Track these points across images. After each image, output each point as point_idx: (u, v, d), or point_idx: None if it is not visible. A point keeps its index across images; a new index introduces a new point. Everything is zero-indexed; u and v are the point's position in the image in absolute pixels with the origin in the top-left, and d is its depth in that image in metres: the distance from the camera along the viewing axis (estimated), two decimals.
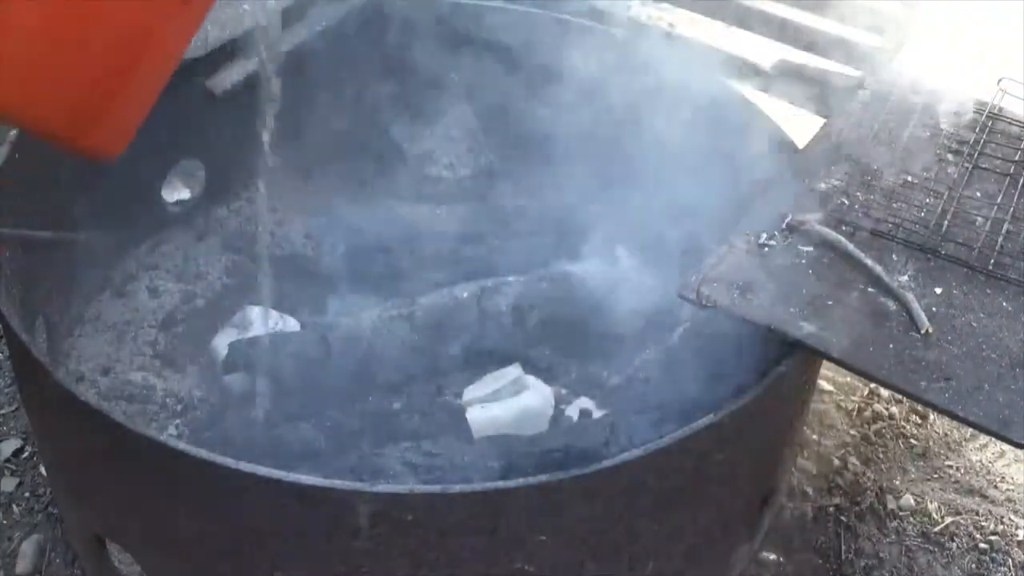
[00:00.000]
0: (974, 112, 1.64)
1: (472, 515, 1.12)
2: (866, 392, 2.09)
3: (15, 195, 1.48)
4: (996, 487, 1.93)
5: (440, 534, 1.12)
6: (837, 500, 1.85)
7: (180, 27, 1.06)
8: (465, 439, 1.48)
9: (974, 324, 1.29)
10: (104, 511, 1.36)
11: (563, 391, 1.62)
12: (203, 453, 1.09)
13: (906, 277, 1.36)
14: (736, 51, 2.15)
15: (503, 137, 2.03)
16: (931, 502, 1.87)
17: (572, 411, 1.57)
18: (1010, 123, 1.63)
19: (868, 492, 1.87)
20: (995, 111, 1.64)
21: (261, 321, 1.67)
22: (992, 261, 1.39)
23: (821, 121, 1.70)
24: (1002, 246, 1.41)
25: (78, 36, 0.97)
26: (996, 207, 1.48)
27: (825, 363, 1.41)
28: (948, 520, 1.83)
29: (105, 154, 1.07)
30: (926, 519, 1.84)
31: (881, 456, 1.96)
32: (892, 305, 1.31)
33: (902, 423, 2.04)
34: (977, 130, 1.61)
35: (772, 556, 1.75)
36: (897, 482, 1.91)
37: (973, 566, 1.77)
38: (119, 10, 0.99)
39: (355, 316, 1.71)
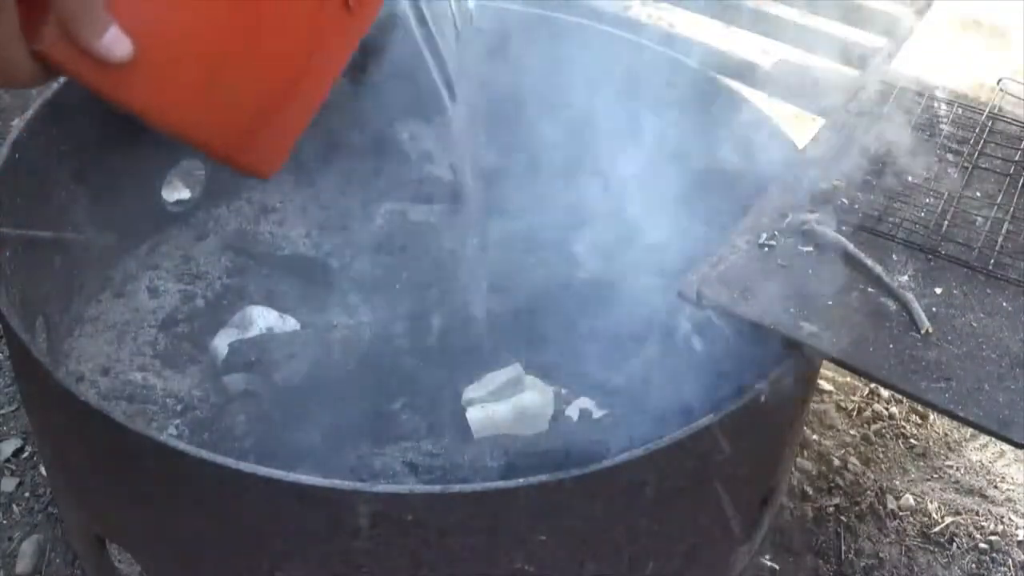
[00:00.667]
0: (974, 112, 1.64)
1: (472, 515, 1.12)
2: (866, 392, 2.09)
3: (15, 195, 1.48)
4: (996, 487, 1.93)
5: (440, 534, 1.12)
6: (837, 500, 1.85)
7: (342, 40, 1.01)
8: (465, 439, 1.48)
9: (974, 324, 1.30)
10: (104, 511, 1.36)
11: (563, 391, 1.62)
12: (203, 453, 1.09)
13: (906, 277, 1.36)
14: (736, 51, 2.15)
15: (504, 137, 2.03)
16: (931, 502, 1.87)
17: (572, 411, 1.57)
18: (1010, 123, 1.63)
19: (868, 492, 1.87)
20: (995, 111, 1.65)
21: (261, 321, 1.67)
22: (992, 261, 1.39)
23: (821, 121, 1.70)
24: (1002, 246, 1.41)
25: (240, 53, 0.93)
26: (996, 207, 1.48)
27: (825, 363, 1.41)
28: (948, 520, 1.84)
29: (260, 172, 1.03)
30: (926, 519, 1.84)
31: (881, 456, 1.96)
32: (892, 305, 1.31)
33: (902, 423, 2.04)
34: (977, 130, 1.61)
35: (772, 557, 1.75)
36: (897, 482, 1.91)
37: (973, 566, 1.77)
38: (282, 26, 0.94)
39: (355, 316, 1.71)
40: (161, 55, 0.89)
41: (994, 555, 1.79)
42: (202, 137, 0.95)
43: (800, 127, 2.05)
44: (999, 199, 1.49)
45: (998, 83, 1.68)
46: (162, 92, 0.91)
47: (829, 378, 2.09)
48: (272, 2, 0.93)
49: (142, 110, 0.91)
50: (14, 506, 1.75)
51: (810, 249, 1.39)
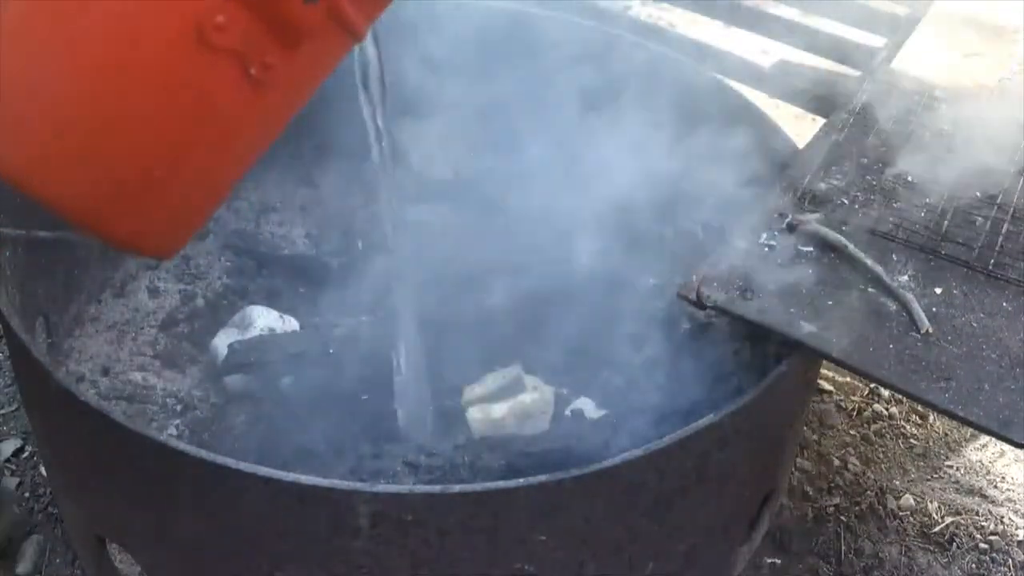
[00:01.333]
0: (974, 112, 1.64)
1: (472, 515, 1.12)
2: (866, 392, 2.09)
3: (15, 195, 1.47)
4: (996, 487, 1.93)
5: (440, 534, 1.12)
6: (837, 500, 1.85)
7: (252, 122, 0.92)
8: (465, 439, 1.48)
9: (974, 324, 1.30)
10: (104, 511, 1.36)
11: (563, 391, 1.62)
12: (203, 453, 1.09)
13: (906, 277, 1.36)
14: (736, 51, 2.15)
15: (504, 137, 2.03)
16: (931, 502, 1.87)
17: (572, 411, 1.57)
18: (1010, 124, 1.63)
19: (868, 492, 1.87)
20: (995, 111, 1.64)
21: (261, 321, 1.67)
22: (992, 261, 1.39)
23: (821, 121, 1.70)
24: (1002, 246, 1.41)
25: (117, 109, 0.83)
26: (996, 207, 1.48)
27: (825, 363, 1.41)
28: (948, 520, 1.83)
29: (145, 251, 0.94)
30: (926, 519, 1.84)
31: (881, 456, 1.96)
32: (892, 305, 1.31)
33: (902, 423, 2.04)
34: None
35: (772, 557, 1.75)
36: (897, 482, 1.91)
37: (973, 566, 1.77)
38: (153, 87, 0.83)
39: (355, 316, 1.71)
40: (5, 102, 0.80)
41: (994, 555, 1.79)
42: (56, 199, 0.84)
43: (800, 127, 2.05)
44: (999, 199, 1.49)
45: (998, 83, 1.68)
46: (7, 143, 0.81)
47: (829, 378, 2.09)
48: (133, 55, 0.82)
49: None
50: (14, 506, 1.74)
51: (810, 249, 1.39)
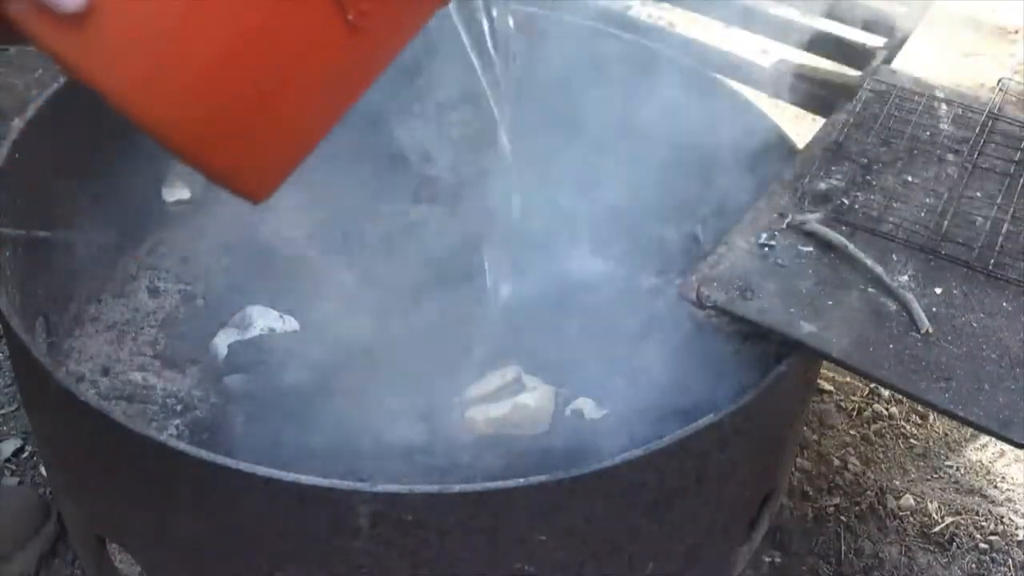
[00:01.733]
0: (974, 112, 1.64)
1: (472, 515, 1.12)
2: (866, 392, 2.09)
3: (15, 195, 1.48)
4: (996, 487, 1.93)
5: (440, 534, 1.12)
6: (837, 500, 1.85)
7: (346, 68, 0.94)
8: (465, 439, 1.48)
9: (974, 324, 1.30)
10: (104, 511, 1.36)
11: (563, 391, 1.62)
12: (203, 453, 1.09)
13: (906, 277, 1.36)
14: (736, 51, 2.15)
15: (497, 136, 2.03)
16: (931, 502, 1.87)
17: (572, 411, 1.57)
18: (1010, 123, 1.63)
19: (868, 492, 1.87)
20: (995, 111, 1.64)
21: (261, 321, 1.67)
22: (992, 261, 1.39)
23: (821, 121, 1.70)
24: (1002, 246, 1.41)
25: (216, 42, 0.86)
26: (996, 207, 1.48)
27: (825, 363, 1.41)
28: (948, 520, 1.84)
29: (238, 187, 0.95)
30: (926, 519, 1.84)
31: (881, 456, 1.96)
32: (892, 305, 1.31)
33: (902, 423, 2.04)
34: (977, 130, 1.61)
35: (772, 556, 1.75)
36: (897, 482, 1.91)
37: (973, 566, 1.77)
38: (268, 25, 0.87)
39: (355, 316, 1.71)
40: (118, 21, 0.83)
41: (994, 555, 1.79)
42: (153, 121, 0.87)
43: (800, 127, 2.05)
44: (999, 199, 1.49)
45: (998, 83, 1.68)
46: (116, 63, 0.84)
47: (829, 378, 2.09)
48: None
49: (95, 80, 0.84)
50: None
51: (810, 249, 1.39)
